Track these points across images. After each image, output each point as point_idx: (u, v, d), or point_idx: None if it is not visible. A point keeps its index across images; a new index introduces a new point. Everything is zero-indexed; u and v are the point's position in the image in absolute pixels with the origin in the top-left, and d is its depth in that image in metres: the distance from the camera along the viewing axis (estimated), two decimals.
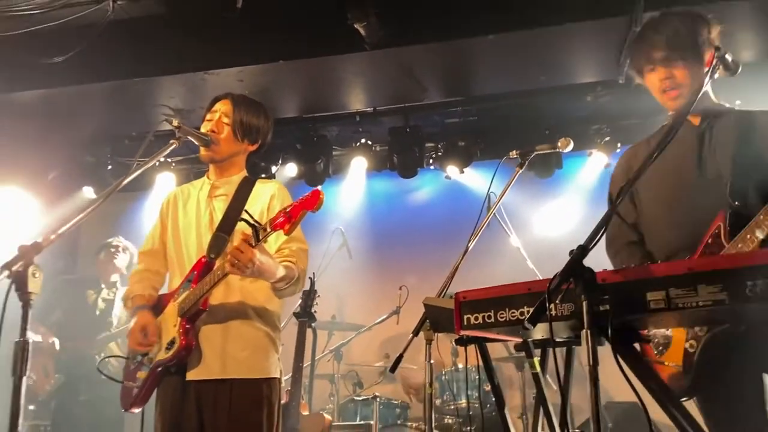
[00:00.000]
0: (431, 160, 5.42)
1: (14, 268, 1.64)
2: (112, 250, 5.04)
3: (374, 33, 3.88)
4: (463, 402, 4.36)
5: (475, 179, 5.44)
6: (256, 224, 2.10)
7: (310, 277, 4.07)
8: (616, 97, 4.67)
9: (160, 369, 2.33)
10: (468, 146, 5.20)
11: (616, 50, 4.07)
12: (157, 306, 2.47)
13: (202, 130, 2.50)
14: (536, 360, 1.99)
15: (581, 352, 1.35)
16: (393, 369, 2.65)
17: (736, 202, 1.96)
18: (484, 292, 1.61)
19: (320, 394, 4.88)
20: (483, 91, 4.85)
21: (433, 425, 2.67)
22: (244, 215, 2.14)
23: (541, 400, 2.02)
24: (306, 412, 4.13)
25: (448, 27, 3.95)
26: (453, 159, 5.22)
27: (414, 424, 4.32)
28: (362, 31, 3.84)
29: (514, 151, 2.86)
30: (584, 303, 1.34)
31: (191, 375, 2.30)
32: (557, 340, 1.77)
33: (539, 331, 1.69)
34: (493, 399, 2.27)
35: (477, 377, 4.20)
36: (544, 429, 2.03)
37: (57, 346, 4.84)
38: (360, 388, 4.88)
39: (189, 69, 4.29)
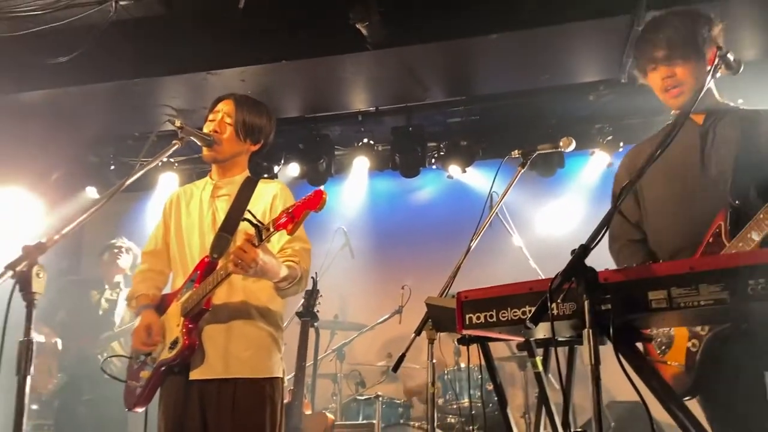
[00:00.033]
0: (433, 160, 5.42)
1: (18, 269, 1.64)
2: (116, 251, 5.05)
3: (376, 33, 3.89)
4: (465, 401, 4.37)
5: (477, 179, 5.44)
6: (258, 224, 2.11)
7: (312, 277, 4.08)
8: (619, 97, 4.66)
9: (163, 368, 2.34)
10: (470, 146, 5.20)
11: (619, 49, 4.07)
12: (161, 306, 2.48)
13: (205, 130, 2.51)
14: (538, 359, 1.99)
15: (583, 352, 1.35)
16: (395, 368, 2.66)
17: (737, 201, 1.97)
18: (485, 291, 1.61)
19: (323, 394, 4.89)
20: (485, 90, 4.85)
21: (436, 424, 2.67)
22: (247, 215, 2.14)
23: (543, 399, 2.01)
24: (309, 412, 4.13)
25: (450, 26, 3.95)
26: (455, 158, 5.22)
27: (416, 424, 4.32)
28: (364, 31, 3.84)
29: (516, 151, 2.86)
30: (586, 302, 1.34)
31: (194, 375, 2.31)
32: (559, 339, 1.77)
33: (541, 331, 1.69)
34: (496, 398, 2.27)
35: (479, 376, 4.21)
36: (546, 428, 2.03)
37: (60, 346, 4.85)
38: (362, 388, 4.89)
39: (191, 69, 4.30)
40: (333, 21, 3.92)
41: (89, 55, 3.93)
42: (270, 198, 2.48)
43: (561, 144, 2.82)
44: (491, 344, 2.07)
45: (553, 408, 2.00)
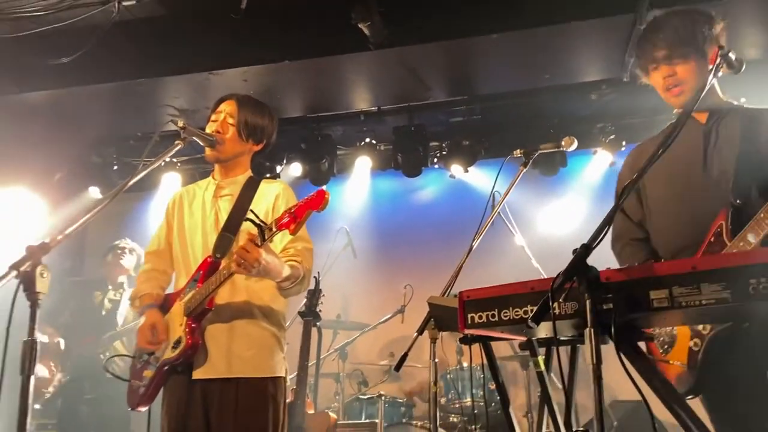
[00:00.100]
0: (435, 159, 5.42)
1: (22, 269, 1.65)
2: (119, 251, 5.08)
3: (378, 32, 3.89)
4: (468, 400, 4.37)
5: (479, 178, 5.44)
6: (261, 224, 2.12)
7: (315, 277, 4.08)
8: (621, 96, 4.66)
9: (166, 368, 2.34)
10: (472, 145, 5.20)
11: (621, 48, 4.07)
12: (164, 305, 2.49)
13: (207, 130, 2.52)
14: (540, 359, 1.99)
15: (585, 351, 1.35)
16: (398, 368, 2.67)
17: (738, 201, 1.97)
18: (487, 291, 1.61)
19: (325, 393, 4.90)
20: (487, 90, 4.86)
21: (438, 424, 2.67)
22: (250, 215, 2.15)
23: (545, 398, 2.02)
24: (311, 411, 4.14)
25: (452, 26, 3.96)
26: (457, 158, 5.23)
27: (419, 423, 4.33)
28: (366, 31, 3.85)
29: (518, 150, 2.87)
30: (588, 301, 1.34)
31: (197, 374, 2.32)
32: (561, 338, 1.77)
33: (543, 330, 1.69)
34: (498, 397, 2.28)
35: (482, 376, 4.21)
36: (548, 427, 2.03)
37: (62, 346, 4.87)
38: (365, 387, 4.89)
39: (194, 69, 4.32)
40: (335, 21, 3.93)
41: (92, 56, 3.94)
42: (272, 198, 2.49)
43: (563, 143, 2.82)
44: (493, 343, 2.08)
45: (556, 407, 2.01)
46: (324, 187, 2.32)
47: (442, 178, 5.66)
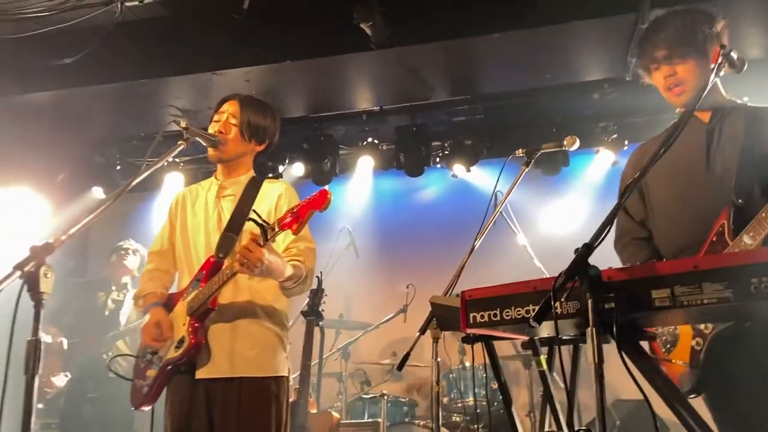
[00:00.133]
0: (438, 159, 5.43)
1: (26, 269, 1.66)
2: (122, 252, 5.11)
3: (380, 32, 3.90)
4: (470, 400, 4.37)
5: (481, 178, 5.44)
6: (264, 224, 2.12)
7: (317, 276, 4.09)
8: (623, 95, 4.66)
9: (169, 367, 2.35)
10: (474, 145, 5.20)
11: (623, 48, 4.06)
12: (167, 305, 2.50)
13: (210, 130, 2.52)
14: (543, 358, 1.99)
15: (589, 350, 1.35)
16: (400, 367, 2.67)
17: (740, 200, 1.97)
18: (489, 290, 1.61)
19: (328, 392, 4.90)
20: (489, 89, 4.86)
21: (441, 423, 2.68)
22: (252, 215, 2.15)
23: (548, 398, 2.02)
24: (314, 410, 4.15)
25: (453, 26, 3.96)
26: (459, 157, 5.23)
27: (421, 422, 4.33)
28: (368, 31, 3.85)
29: (520, 150, 2.87)
30: (589, 301, 1.35)
31: (200, 373, 2.33)
32: (564, 338, 1.77)
33: (545, 329, 1.69)
34: (501, 397, 2.28)
35: (484, 375, 4.20)
36: (551, 427, 2.03)
37: (65, 346, 4.89)
38: (368, 386, 4.90)
39: (196, 70, 4.33)
40: (337, 21, 3.93)
41: (95, 56, 3.95)
42: (275, 198, 2.49)
43: (565, 143, 2.83)
44: (496, 343, 2.08)
45: (558, 407, 2.01)
46: (326, 187, 2.32)
47: (445, 178, 5.67)
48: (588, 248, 1.38)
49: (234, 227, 2.43)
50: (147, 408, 2.41)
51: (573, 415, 1.85)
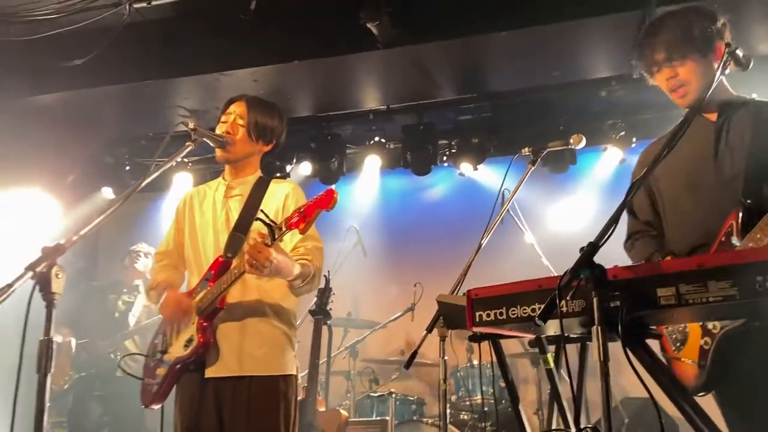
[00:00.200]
0: (445, 158, 5.42)
1: (38, 269, 1.67)
2: (134, 255, 5.19)
3: (387, 32, 3.90)
4: (478, 398, 4.38)
5: (488, 176, 5.43)
6: (271, 223, 2.14)
7: (325, 275, 4.10)
8: (631, 92, 4.63)
9: (179, 366, 2.37)
10: (482, 143, 5.20)
11: (630, 45, 4.02)
12: None
13: (217, 131, 2.54)
14: (550, 356, 2.00)
15: (594, 348, 1.35)
16: (408, 365, 2.68)
17: (749, 200, 1.95)
18: (495, 289, 1.62)
19: (336, 391, 4.92)
20: (496, 87, 4.85)
21: (449, 421, 2.68)
22: (260, 215, 2.17)
23: (555, 395, 2.02)
24: (323, 408, 4.16)
25: (460, 24, 3.96)
26: (466, 156, 5.23)
27: (430, 420, 4.34)
28: (375, 30, 3.86)
29: (526, 149, 2.87)
30: (595, 299, 1.35)
31: (210, 372, 2.35)
32: (570, 336, 1.78)
33: (552, 328, 1.70)
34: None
35: (491, 373, 4.21)
36: (558, 425, 2.04)
37: (73, 345, 4.95)
38: (376, 385, 4.91)
39: (204, 70, 4.35)
40: (343, 21, 3.95)
41: (104, 58, 3.98)
42: (282, 197, 2.51)
43: (571, 141, 2.82)
44: (503, 341, 2.08)
45: (565, 404, 2.01)
46: (333, 187, 2.34)
47: (452, 176, 5.66)
48: (593, 247, 1.39)
49: (242, 227, 2.45)
50: (157, 406, 2.44)
51: (580, 413, 1.85)
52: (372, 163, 5.46)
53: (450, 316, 2.21)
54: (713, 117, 2.14)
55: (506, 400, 4.08)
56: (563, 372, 2.03)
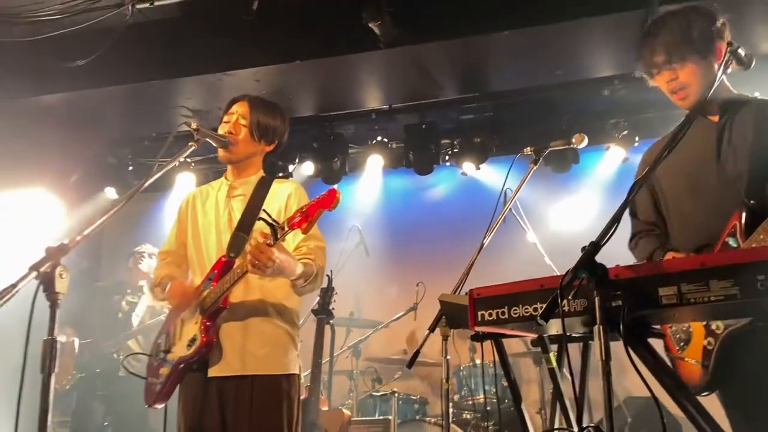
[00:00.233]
0: (447, 157, 5.42)
1: (42, 269, 1.68)
2: (137, 256, 5.21)
3: (388, 31, 3.90)
4: (480, 397, 4.38)
5: (491, 175, 5.44)
6: (274, 223, 2.14)
7: (327, 275, 4.11)
8: (634, 91, 4.62)
9: (182, 366, 2.38)
10: (484, 142, 5.19)
11: (633, 44, 4.03)
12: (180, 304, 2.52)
13: (220, 131, 2.55)
14: (552, 355, 2.00)
15: (596, 348, 1.36)
16: (410, 365, 2.68)
17: (752, 201, 1.94)
18: (497, 288, 1.63)
19: (339, 390, 4.93)
20: (499, 86, 4.85)
21: (451, 420, 2.69)
22: (263, 214, 2.18)
23: (557, 395, 2.02)
24: (325, 408, 4.17)
25: (462, 23, 3.96)
26: (469, 155, 5.23)
27: (432, 420, 4.34)
28: (376, 30, 3.86)
29: (529, 148, 2.87)
30: (596, 298, 1.35)
31: (213, 372, 2.35)
32: (573, 335, 1.78)
33: (554, 327, 1.70)
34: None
35: (494, 372, 4.20)
36: (561, 424, 2.04)
37: (77, 345, 4.96)
38: (378, 384, 4.91)
39: (206, 70, 4.36)
40: (345, 21, 3.95)
41: (107, 58, 4.00)
42: (285, 197, 2.52)
43: (573, 140, 2.82)
44: (506, 340, 2.08)
45: (568, 403, 2.01)
46: (335, 186, 2.34)
47: (454, 176, 5.66)
48: (595, 246, 1.39)
49: (244, 227, 2.46)
50: (160, 406, 2.44)
51: (583, 412, 1.85)
52: (374, 162, 5.46)
53: (452, 316, 2.21)
54: (715, 118, 2.13)
55: (509, 399, 4.08)
56: (565, 371, 2.03)
